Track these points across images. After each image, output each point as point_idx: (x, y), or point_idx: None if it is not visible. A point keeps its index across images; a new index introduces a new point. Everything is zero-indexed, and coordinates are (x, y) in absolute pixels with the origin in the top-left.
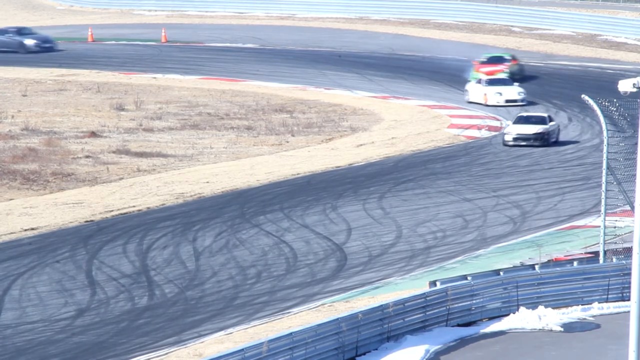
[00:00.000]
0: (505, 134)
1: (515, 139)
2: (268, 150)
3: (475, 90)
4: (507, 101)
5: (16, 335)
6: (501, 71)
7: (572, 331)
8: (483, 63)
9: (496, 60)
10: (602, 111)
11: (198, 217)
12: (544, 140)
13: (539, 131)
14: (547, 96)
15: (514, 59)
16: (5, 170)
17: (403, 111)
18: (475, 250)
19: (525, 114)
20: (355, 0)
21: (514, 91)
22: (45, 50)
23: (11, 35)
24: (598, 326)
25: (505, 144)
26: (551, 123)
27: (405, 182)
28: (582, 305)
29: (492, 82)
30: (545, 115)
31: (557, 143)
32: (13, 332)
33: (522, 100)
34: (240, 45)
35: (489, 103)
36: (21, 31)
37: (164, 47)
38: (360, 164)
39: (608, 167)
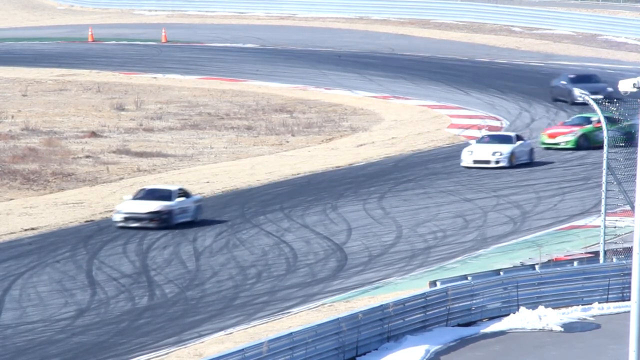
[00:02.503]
0: (115, 212)
1: (126, 219)
2: (268, 150)
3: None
4: (475, 162)
5: (16, 335)
6: (568, 134)
7: (573, 331)
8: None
9: (575, 122)
10: (602, 111)
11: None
12: (164, 220)
13: (157, 209)
14: (548, 96)
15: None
16: (5, 170)
17: (403, 111)
18: (476, 250)
19: (150, 187)
20: (355, 0)
21: (489, 151)
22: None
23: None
24: (598, 326)
25: (115, 224)
26: (178, 199)
27: (405, 182)
28: (582, 305)
29: (490, 139)
30: (174, 189)
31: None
32: (13, 332)
33: (496, 162)
34: (240, 45)
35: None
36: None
37: (164, 47)
38: (360, 164)
39: (608, 167)
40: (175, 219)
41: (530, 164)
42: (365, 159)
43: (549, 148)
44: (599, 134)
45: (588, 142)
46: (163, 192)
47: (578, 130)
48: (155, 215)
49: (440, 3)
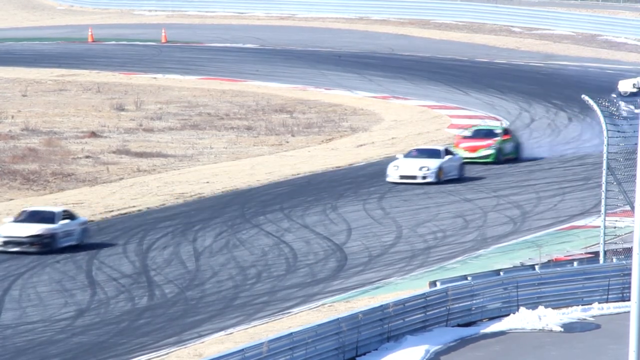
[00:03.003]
0: None
1: (5, 244)
2: (268, 151)
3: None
4: (401, 177)
5: (16, 336)
6: (486, 147)
7: (573, 331)
8: (466, 137)
9: (484, 134)
10: (602, 111)
11: (198, 217)
12: (46, 245)
13: (39, 233)
14: (547, 96)
15: (506, 132)
16: (5, 171)
17: (403, 111)
18: (476, 251)
19: (32, 208)
20: (355, 0)
21: (416, 166)
22: None
23: None
24: (598, 326)
25: None
26: (62, 222)
27: (405, 182)
28: (582, 305)
29: (418, 153)
30: (57, 211)
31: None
32: (13, 332)
33: (423, 178)
34: (240, 45)
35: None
36: None
37: (164, 47)
38: (360, 164)
39: (608, 167)
40: (59, 242)
41: (460, 179)
42: (365, 159)
43: (467, 162)
44: (507, 146)
45: (502, 155)
46: (46, 214)
47: (495, 143)
48: (36, 239)
49: (440, 3)
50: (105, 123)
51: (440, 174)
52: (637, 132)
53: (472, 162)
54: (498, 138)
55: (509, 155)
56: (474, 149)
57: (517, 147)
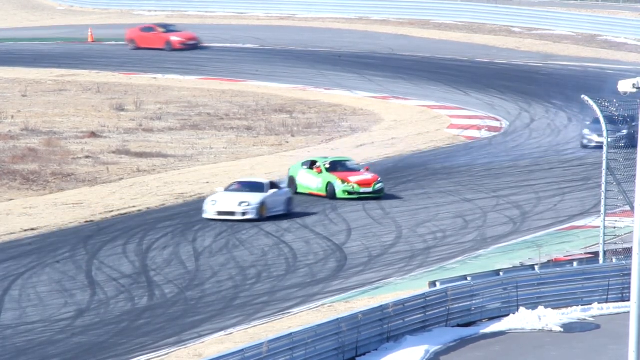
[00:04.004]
0: None
1: (220, 213)
2: (268, 151)
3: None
4: (219, 213)
5: (16, 336)
6: (375, 180)
7: (572, 331)
8: (330, 170)
9: (345, 166)
10: (602, 112)
11: (198, 218)
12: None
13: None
14: (547, 96)
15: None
16: (5, 171)
17: (403, 111)
18: (476, 251)
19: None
20: (355, 0)
21: (235, 201)
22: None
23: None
24: (598, 326)
25: None
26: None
27: (405, 183)
28: (582, 305)
29: (240, 186)
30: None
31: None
32: (13, 333)
33: (243, 214)
34: (240, 45)
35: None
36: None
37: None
38: (360, 164)
39: (608, 168)
40: (268, 212)
41: (289, 215)
42: (365, 160)
43: (361, 197)
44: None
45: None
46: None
47: (379, 177)
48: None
49: (440, 3)
50: (105, 123)
51: (262, 210)
52: (636, 132)
53: (366, 198)
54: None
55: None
56: (368, 183)
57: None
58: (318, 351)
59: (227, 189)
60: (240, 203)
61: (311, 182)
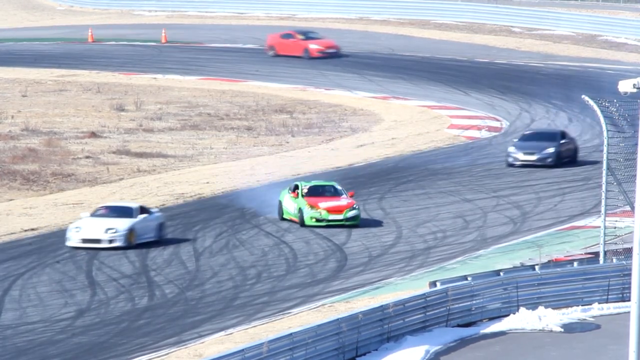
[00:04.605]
0: None
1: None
2: (268, 151)
3: None
4: (84, 241)
5: (16, 336)
6: (349, 206)
7: (572, 332)
8: (306, 196)
9: (333, 192)
10: (602, 112)
11: (198, 218)
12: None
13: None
14: (548, 97)
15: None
16: (5, 171)
17: (403, 112)
18: (476, 251)
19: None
20: (355, 0)
21: (101, 227)
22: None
23: None
24: (598, 327)
25: None
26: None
27: (405, 183)
28: (582, 305)
29: (108, 211)
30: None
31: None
32: (13, 333)
33: (110, 242)
34: (240, 45)
35: None
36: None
37: (164, 48)
38: (360, 164)
39: (608, 168)
40: (138, 238)
41: (160, 242)
42: (365, 160)
43: (332, 225)
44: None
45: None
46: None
47: (355, 204)
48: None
49: (440, 3)
50: (105, 123)
51: (131, 237)
52: (637, 133)
53: (339, 226)
54: (346, 196)
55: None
56: (339, 210)
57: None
58: (318, 351)
59: (93, 214)
60: (107, 230)
61: (290, 207)
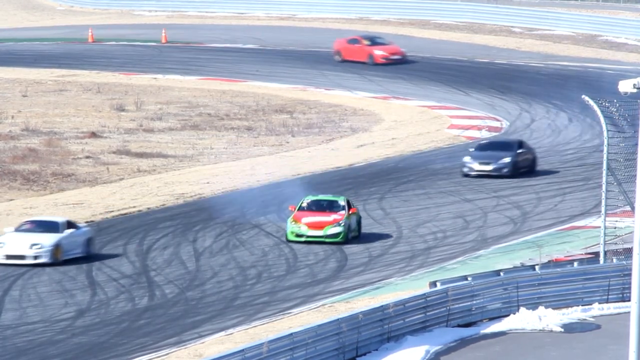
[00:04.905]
0: None
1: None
2: (268, 151)
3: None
4: (7, 257)
5: (17, 336)
6: (333, 222)
7: (573, 332)
8: (301, 210)
9: (325, 206)
10: (602, 112)
11: (198, 218)
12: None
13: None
14: (548, 97)
15: (350, 205)
16: (5, 171)
17: (403, 112)
18: (476, 251)
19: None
20: (355, 0)
21: (26, 242)
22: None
23: None
24: (598, 327)
25: None
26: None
27: (405, 183)
28: (582, 305)
29: (34, 226)
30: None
31: None
32: (13, 333)
33: (35, 258)
34: (240, 45)
35: None
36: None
37: (164, 48)
38: (360, 164)
39: (608, 168)
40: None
41: (90, 257)
42: (366, 160)
43: (309, 241)
44: (353, 222)
45: (349, 233)
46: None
47: (344, 220)
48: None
49: (440, 3)
50: (106, 123)
51: (57, 253)
52: (637, 133)
53: (323, 242)
54: (344, 212)
55: (354, 232)
56: (320, 226)
57: (360, 222)
58: (318, 351)
59: (17, 229)
60: (32, 245)
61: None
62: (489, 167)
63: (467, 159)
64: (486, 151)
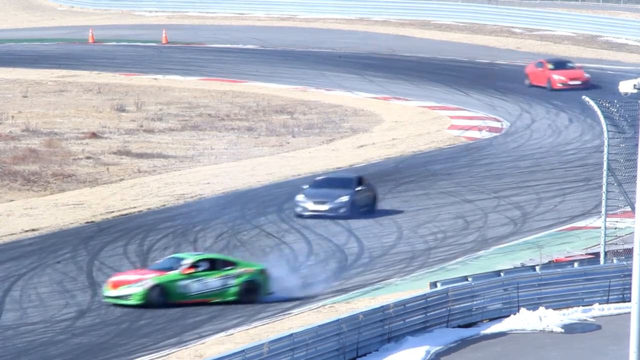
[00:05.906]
0: None
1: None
2: (269, 151)
3: None
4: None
5: (17, 337)
6: (136, 282)
7: (573, 332)
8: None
9: (167, 264)
10: (602, 112)
11: (199, 218)
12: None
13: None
14: (548, 97)
15: (189, 266)
16: (6, 171)
17: (403, 112)
18: (476, 251)
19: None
20: (355, 1)
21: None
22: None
23: None
24: (599, 327)
25: None
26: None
27: (406, 183)
28: (582, 306)
29: None
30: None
31: None
32: (14, 333)
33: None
34: (241, 46)
35: None
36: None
37: (164, 48)
38: (361, 165)
39: (609, 168)
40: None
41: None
42: (366, 160)
43: (116, 304)
44: (187, 284)
45: (165, 297)
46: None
47: (150, 279)
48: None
49: (441, 4)
50: (106, 124)
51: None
52: (637, 133)
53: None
54: (168, 272)
55: (182, 297)
56: (116, 285)
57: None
58: (319, 352)
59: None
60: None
61: None
62: (325, 207)
63: (300, 197)
64: (322, 189)
